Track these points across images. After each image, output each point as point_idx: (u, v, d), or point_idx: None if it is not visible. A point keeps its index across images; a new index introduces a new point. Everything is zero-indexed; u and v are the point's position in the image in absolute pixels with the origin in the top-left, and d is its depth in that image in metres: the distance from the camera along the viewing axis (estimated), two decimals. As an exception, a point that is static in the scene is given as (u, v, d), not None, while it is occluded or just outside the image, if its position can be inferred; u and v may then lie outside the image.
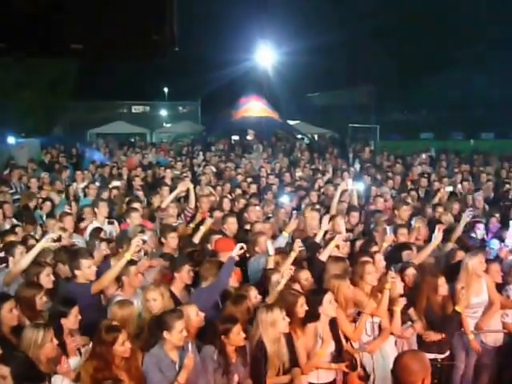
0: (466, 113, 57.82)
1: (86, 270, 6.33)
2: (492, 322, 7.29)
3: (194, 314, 5.71)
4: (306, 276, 6.93)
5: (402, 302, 6.62)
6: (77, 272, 6.34)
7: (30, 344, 4.90)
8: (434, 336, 6.82)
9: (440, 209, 10.76)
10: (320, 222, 8.50)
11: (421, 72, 60.58)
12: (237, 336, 5.49)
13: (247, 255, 7.75)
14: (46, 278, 6.35)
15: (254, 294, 6.33)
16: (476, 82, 54.29)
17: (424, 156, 20.08)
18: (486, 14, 54.59)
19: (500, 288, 7.49)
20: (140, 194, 11.89)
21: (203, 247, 7.85)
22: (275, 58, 39.53)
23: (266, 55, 38.45)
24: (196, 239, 8.10)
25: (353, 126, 39.40)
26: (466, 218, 9.23)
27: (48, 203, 10.87)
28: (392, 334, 6.70)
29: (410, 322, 6.85)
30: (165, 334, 5.26)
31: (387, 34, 61.04)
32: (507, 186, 13.91)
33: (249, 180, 14.19)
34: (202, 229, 8.14)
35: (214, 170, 16.74)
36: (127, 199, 10.70)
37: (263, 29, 39.83)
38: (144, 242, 6.71)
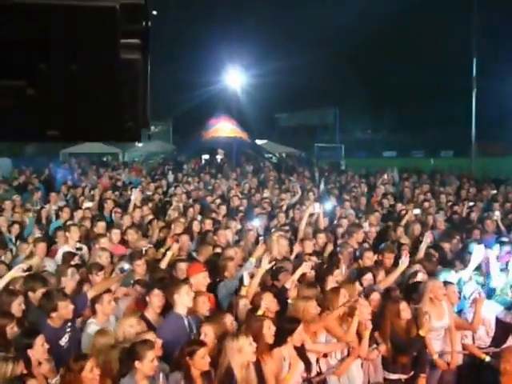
0: (427, 131, 58.72)
1: (63, 310, 6.12)
2: (454, 343, 7.33)
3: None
4: (269, 299, 6.85)
5: (370, 325, 6.61)
6: (53, 314, 6.09)
7: (0, 377, 4.75)
8: None
9: (400, 230, 10.80)
10: (288, 245, 8.48)
11: (384, 93, 61.40)
12: (201, 359, 5.35)
13: (217, 280, 7.70)
14: (18, 307, 6.17)
15: (229, 321, 6.26)
16: (437, 103, 55.29)
17: (387, 176, 20.19)
18: (447, 39, 55.55)
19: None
20: (117, 216, 11.64)
21: (171, 273, 7.73)
22: (244, 79, 39.74)
23: (235, 77, 38.64)
24: (163, 264, 7.97)
25: (319, 146, 39.72)
26: (427, 239, 9.29)
27: (16, 226, 10.66)
28: (359, 356, 6.69)
29: (375, 345, 6.84)
30: (136, 363, 5.13)
31: (352, 56, 61.83)
32: (467, 206, 14.00)
33: (218, 201, 14.10)
34: (169, 254, 8.02)
35: (185, 190, 16.63)
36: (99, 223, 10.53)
37: (233, 51, 40.01)
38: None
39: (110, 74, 1.81)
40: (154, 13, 2.06)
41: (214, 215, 12.17)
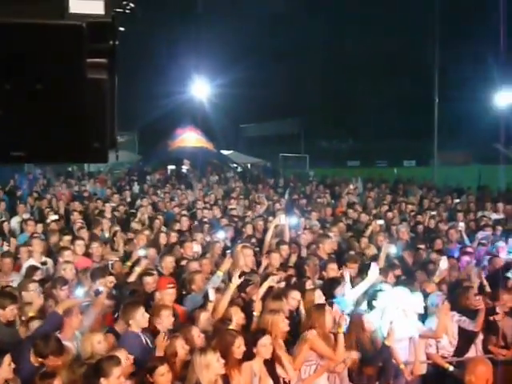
0: (390, 141, 59.44)
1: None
2: (418, 352, 7.37)
3: (124, 359, 5.37)
4: (236, 313, 6.81)
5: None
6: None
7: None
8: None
9: (364, 241, 10.86)
10: (254, 257, 8.43)
11: (348, 103, 62.01)
12: (161, 377, 5.27)
13: (183, 293, 7.63)
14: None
15: (196, 334, 6.18)
16: (399, 113, 56.03)
17: (351, 186, 20.33)
18: (409, 51, 56.41)
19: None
20: (83, 230, 11.43)
21: (138, 288, 7.62)
22: (210, 89, 39.71)
23: (201, 87, 38.58)
24: (131, 279, 7.86)
25: (284, 156, 39.89)
26: (387, 249, 9.37)
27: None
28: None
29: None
30: (102, 380, 5.01)
31: (317, 67, 62.35)
32: (430, 216, 14.16)
33: (184, 213, 14.00)
34: (137, 270, 7.89)
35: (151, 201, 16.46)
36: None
37: (198, 61, 39.99)
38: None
39: (76, 94, 1.77)
40: (122, 29, 2.02)
41: (179, 227, 12.07)
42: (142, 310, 6.19)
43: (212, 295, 6.82)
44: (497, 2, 29.93)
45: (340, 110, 62.41)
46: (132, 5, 2.08)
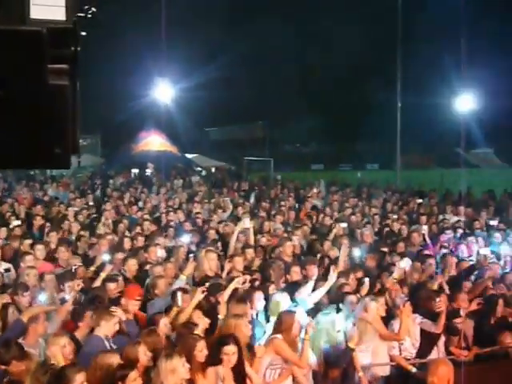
0: (353, 145, 59.99)
1: None
2: (380, 355, 7.46)
3: (143, 354, 5.52)
4: (199, 317, 6.80)
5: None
6: None
7: None
8: None
9: (327, 244, 10.95)
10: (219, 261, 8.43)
11: (312, 106, 62.33)
12: (133, 383, 5.27)
13: (148, 298, 7.59)
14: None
15: (158, 339, 6.17)
16: (363, 116, 56.53)
17: (315, 190, 20.47)
18: (372, 54, 57.00)
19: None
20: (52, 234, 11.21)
21: (103, 294, 7.55)
22: (174, 93, 39.50)
23: (165, 90, 38.33)
24: (96, 284, 7.78)
25: (248, 159, 39.94)
26: (348, 252, 9.47)
27: None
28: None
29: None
30: (66, 387, 4.98)
31: (280, 71, 62.63)
32: (393, 219, 14.34)
33: (147, 217, 13.91)
34: (102, 275, 7.82)
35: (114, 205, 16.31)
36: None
37: (162, 64, 39.76)
38: None
39: (37, 100, 1.76)
40: (83, 34, 2.01)
41: (143, 231, 12.00)
42: (109, 318, 6.19)
43: (180, 301, 6.81)
44: (457, 8, 30.52)
45: (304, 113, 62.70)
46: (94, 9, 2.08)
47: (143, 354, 5.68)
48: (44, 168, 1.94)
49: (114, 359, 5.38)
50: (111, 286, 7.52)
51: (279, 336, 6.47)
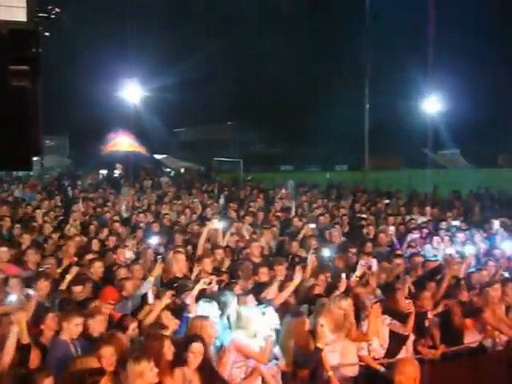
0: (322, 146, 60.30)
1: None
2: (349, 355, 7.50)
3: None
4: (167, 317, 6.78)
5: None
6: None
7: None
8: None
9: (295, 244, 10.98)
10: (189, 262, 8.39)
11: (282, 107, 62.54)
12: None
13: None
14: None
15: (125, 340, 6.13)
16: (331, 118, 56.85)
17: (284, 191, 20.51)
18: (342, 55, 57.33)
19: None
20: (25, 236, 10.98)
21: (70, 296, 7.47)
22: (143, 93, 39.29)
23: (133, 91, 38.09)
24: (63, 287, 7.69)
25: (217, 160, 39.89)
26: (317, 253, 9.51)
27: None
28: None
29: (275, 361, 6.89)
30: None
31: (249, 71, 62.66)
32: (362, 220, 14.46)
33: (116, 218, 13.80)
34: (68, 277, 7.73)
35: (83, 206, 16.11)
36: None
37: (131, 65, 39.48)
38: None
39: (-2, 102, 1.73)
40: (47, 34, 1.99)
41: (113, 232, 11.89)
42: (79, 320, 6.15)
43: (151, 299, 6.82)
44: (424, 12, 30.91)
45: (273, 114, 62.86)
46: (57, 10, 2.05)
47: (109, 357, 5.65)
48: (5, 170, 1.91)
49: (93, 363, 5.35)
50: (77, 288, 7.44)
51: (239, 333, 6.51)
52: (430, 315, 8.11)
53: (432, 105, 35.04)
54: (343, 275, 8.46)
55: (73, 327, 6.07)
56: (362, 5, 30.15)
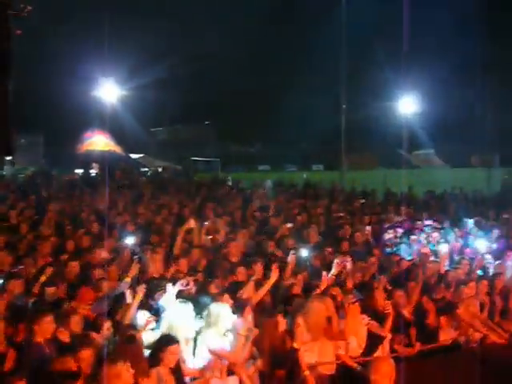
0: (298, 146, 60.48)
1: None
2: (326, 354, 7.51)
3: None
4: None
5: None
6: None
7: None
8: None
9: (272, 244, 10.98)
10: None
11: (259, 107, 62.58)
12: None
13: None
14: None
15: (106, 326, 6.09)
16: (308, 117, 57.07)
17: (261, 190, 20.51)
18: (314, 55, 57.53)
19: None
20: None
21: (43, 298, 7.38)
22: (119, 93, 39.01)
23: (110, 90, 37.81)
24: (35, 289, 7.59)
25: (195, 160, 39.78)
26: (296, 252, 9.53)
27: None
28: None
29: (252, 360, 6.87)
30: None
31: (226, 71, 62.57)
32: (339, 219, 14.52)
33: (92, 217, 13.65)
34: (42, 278, 7.63)
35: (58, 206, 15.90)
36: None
37: (108, 64, 39.20)
38: None
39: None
40: (19, 32, 1.96)
41: (88, 232, 11.77)
42: (49, 318, 6.04)
43: (130, 298, 6.78)
44: (400, 12, 31.15)
45: (251, 114, 62.86)
46: (29, 8, 2.01)
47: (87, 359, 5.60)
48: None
49: (70, 365, 5.30)
50: (50, 290, 7.36)
51: (210, 333, 6.51)
52: (405, 314, 8.18)
53: (407, 105, 35.31)
54: (324, 274, 8.48)
55: (44, 328, 5.99)
56: (337, 5, 30.31)
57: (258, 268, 8.77)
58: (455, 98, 52.39)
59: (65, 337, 6.25)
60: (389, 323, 7.74)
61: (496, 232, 13.95)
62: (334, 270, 8.88)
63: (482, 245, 12.06)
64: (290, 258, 9.22)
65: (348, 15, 30.29)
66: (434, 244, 12.01)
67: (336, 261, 9.10)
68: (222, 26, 58.10)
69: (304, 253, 9.92)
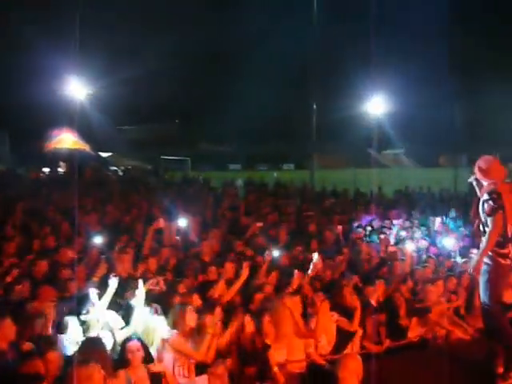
0: (269, 145, 60.68)
1: None
2: (297, 352, 7.54)
3: None
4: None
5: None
6: None
7: None
8: None
9: (240, 244, 11.00)
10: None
11: (230, 106, 62.56)
12: None
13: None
14: None
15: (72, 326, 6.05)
16: (278, 117, 57.30)
17: (232, 189, 20.52)
18: (284, 52, 57.74)
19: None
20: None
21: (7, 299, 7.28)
22: (87, 91, 38.62)
23: (78, 88, 37.41)
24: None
25: (165, 158, 39.58)
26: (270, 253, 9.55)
27: None
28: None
29: (221, 360, 6.87)
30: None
31: (196, 69, 62.43)
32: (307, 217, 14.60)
33: (60, 217, 13.48)
34: (8, 279, 7.54)
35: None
36: None
37: (76, 61, 38.78)
38: None
39: None
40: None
41: (55, 232, 11.62)
42: (8, 321, 5.93)
43: (95, 298, 6.72)
44: (368, 12, 31.42)
45: (222, 113, 62.81)
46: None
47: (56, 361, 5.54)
48: None
49: (37, 368, 5.23)
50: (16, 289, 7.26)
51: (174, 332, 6.51)
52: (375, 311, 8.26)
53: (377, 106, 35.64)
54: (296, 272, 8.53)
55: (5, 331, 5.86)
56: (307, 6, 30.45)
57: (229, 267, 8.78)
58: (424, 99, 53.06)
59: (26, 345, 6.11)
60: (357, 319, 7.81)
61: (463, 231, 14.22)
62: (311, 269, 8.92)
63: (449, 243, 12.27)
64: (266, 258, 9.25)
65: (318, 16, 30.43)
66: (402, 243, 12.14)
67: (314, 260, 9.13)
68: (191, 24, 57.91)
69: (275, 252, 9.95)
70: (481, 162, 6.85)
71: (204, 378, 6.69)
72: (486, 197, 6.67)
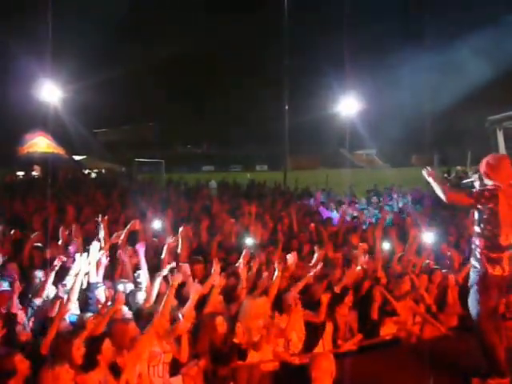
0: (243, 147, 60.77)
1: None
2: (266, 352, 7.50)
3: None
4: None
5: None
6: None
7: None
8: None
9: (214, 245, 10.93)
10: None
11: (204, 109, 62.49)
12: None
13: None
14: None
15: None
16: (252, 118, 57.39)
17: (206, 191, 20.48)
18: (260, 57, 57.82)
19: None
20: None
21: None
22: (61, 94, 38.23)
23: (52, 91, 37.01)
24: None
25: (139, 161, 39.32)
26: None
27: None
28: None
29: (195, 360, 6.82)
30: None
31: (171, 73, 62.20)
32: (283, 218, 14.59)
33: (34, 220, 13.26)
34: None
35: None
36: None
37: (50, 65, 38.37)
38: None
39: None
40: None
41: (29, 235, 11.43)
42: None
43: (73, 296, 6.69)
44: (342, 12, 31.60)
45: (195, 115, 62.70)
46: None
47: (21, 362, 5.42)
48: None
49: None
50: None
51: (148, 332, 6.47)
52: (345, 306, 8.27)
53: (349, 107, 35.85)
54: (264, 273, 8.49)
55: None
56: (279, 6, 30.54)
57: (200, 268, 8.72)
58: (396, 99, 53.54)
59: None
60: (323, 309, 7.77)
61: (435, 229, 14.28)
62: (284, 269, 8.90)
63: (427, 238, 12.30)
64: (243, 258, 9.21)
65: (289, 16, 30.54)
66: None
67: (288, 260, 9.10)
68: (164, 27, 57.65)
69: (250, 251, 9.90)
70: (490, 158, 6.51)
71: (178, 378, 6.64)
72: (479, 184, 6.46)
